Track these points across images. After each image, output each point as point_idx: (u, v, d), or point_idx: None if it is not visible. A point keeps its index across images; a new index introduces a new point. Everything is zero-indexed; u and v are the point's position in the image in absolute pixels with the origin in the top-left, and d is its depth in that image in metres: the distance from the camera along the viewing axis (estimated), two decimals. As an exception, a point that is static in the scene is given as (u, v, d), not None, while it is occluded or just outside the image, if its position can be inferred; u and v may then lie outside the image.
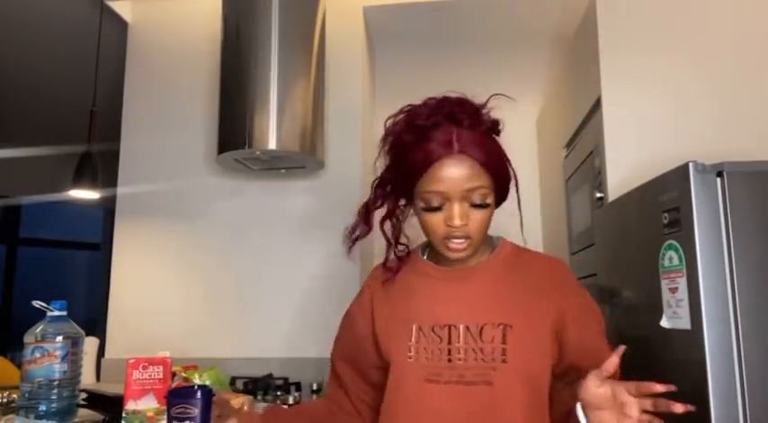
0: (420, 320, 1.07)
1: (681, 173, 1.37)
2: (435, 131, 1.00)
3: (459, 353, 1.03)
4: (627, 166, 1.98)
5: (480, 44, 3.01)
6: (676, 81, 2.06)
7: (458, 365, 1.02)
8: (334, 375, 1.22)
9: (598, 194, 2.11)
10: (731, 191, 1.33)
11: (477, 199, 1.01)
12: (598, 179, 2.12)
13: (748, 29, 2.07)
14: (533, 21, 2.83)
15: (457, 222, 1.00)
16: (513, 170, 1.08)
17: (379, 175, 1.13)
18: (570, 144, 2.62)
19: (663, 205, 1.44)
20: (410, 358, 1.05)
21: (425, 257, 1.16)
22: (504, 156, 1.06)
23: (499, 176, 1.04)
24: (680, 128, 2.01)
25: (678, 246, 1.38)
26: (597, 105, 2.13)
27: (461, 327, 1.04)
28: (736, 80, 2.03)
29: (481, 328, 1.03)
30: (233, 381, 2.08)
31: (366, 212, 1.13)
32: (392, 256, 1.14)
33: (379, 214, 1.14)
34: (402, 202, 1.12)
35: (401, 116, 1.07)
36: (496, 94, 1.06)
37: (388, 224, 1.13)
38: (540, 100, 3.09)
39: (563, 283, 1.09)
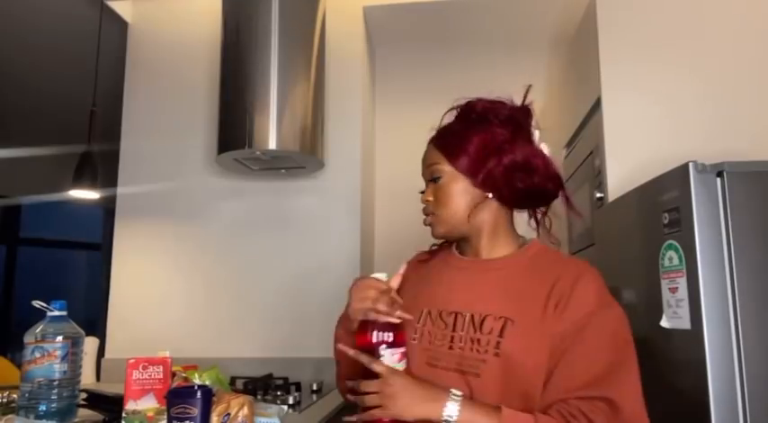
0: (431, 305, 1.11)
1: (681, 173, 1.37)
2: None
3: (461, 341, 1.04)
4: (627, 166, 1.98)
5: (480, 44, 3.01)
6: (676, 81, 2.06)
7: (456, 353, 1.04)
8: None
9: (598, 194, 2.10)
10: (731, 191, 1.33)
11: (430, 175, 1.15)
12: (598, 179, 2.12)
13: (747, 29, 2.07)
14: (533, 21, 2.83)
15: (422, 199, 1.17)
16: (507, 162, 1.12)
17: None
18: (570, 144, 2.62)
19: (663, 205, 1.44)
20: (414, 340, 1.09)
21: (454, 249, 1.21)
22: (487, 142, 1.11)
23: (458, 155, 1.11)
24: (680, 128, 2.01)
25: (678, 246, 1.38)
26: (597, 106, 2.12)
27: (467, 316, 1.06)
28: (736, 80, 2.03)
29: (483, 319, 1.04)
30: (233, 381, 2.08)
31: None
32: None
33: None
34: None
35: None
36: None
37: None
38: (540, 100, 3.06)
39: (580, 294, 1.02)
